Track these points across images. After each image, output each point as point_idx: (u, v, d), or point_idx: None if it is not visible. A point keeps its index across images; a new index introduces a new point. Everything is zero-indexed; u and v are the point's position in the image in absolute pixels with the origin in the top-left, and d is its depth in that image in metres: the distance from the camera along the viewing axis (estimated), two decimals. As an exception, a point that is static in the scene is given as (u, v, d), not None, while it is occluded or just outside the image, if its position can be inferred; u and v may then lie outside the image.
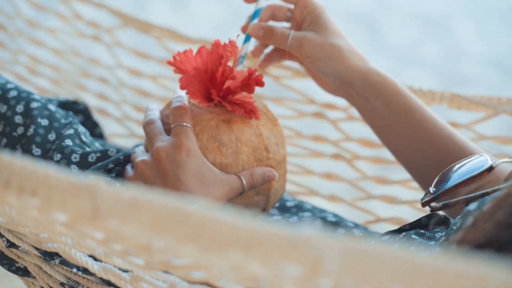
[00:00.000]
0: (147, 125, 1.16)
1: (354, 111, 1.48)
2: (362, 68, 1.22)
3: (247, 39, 1.22)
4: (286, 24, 1.28)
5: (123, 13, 1.67)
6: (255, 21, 1.22)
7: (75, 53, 1.79)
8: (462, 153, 1.19)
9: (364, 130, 1.39)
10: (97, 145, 1.25)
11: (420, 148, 1.22)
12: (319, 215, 1.30)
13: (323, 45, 1.21)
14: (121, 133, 1.77)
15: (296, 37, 1.22)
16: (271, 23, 1.27)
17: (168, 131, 1.14)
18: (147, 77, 1.71)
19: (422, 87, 1.44)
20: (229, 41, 1.13)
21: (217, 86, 1.14)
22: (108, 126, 1.75)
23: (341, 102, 1.48)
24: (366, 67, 1.23)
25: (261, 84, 1.14)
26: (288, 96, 1.58)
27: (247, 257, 0.59)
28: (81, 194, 0.65)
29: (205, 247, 0.61)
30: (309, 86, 1.43)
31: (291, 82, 1.54)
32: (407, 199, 1.46)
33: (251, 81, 1.13)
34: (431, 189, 1.07)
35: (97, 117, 1.67)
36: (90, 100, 1.77)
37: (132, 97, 1.76)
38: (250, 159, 1.15)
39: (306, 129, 1.51)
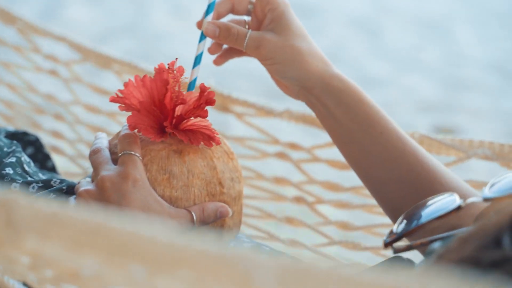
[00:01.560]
0: (93, 153, 1.09)
1: (319, 152, 1.42)
2: (324, 73, 1.14)
3: (202, 37, 1.14)
4: (246, 18, 1.21)
5: (83, 46, 1.61)
6: (209, 17, 1.13)
7: (31, 88, 1.73)
8: (421, 167, 1.12)
9: (329, 173, 1.34)
10: (41, 175, 1.19)
11: (381, 161, 1.14)
12: None
13: (284, 47, 1.13)
14: (75, 172, 1.71)
15: (254, 38, 1.13)
16: (231, 17, 1.20)
17: (115, 161, 1.08)
18: (104, 113, 1.66)
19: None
20: (172, 64, 1.07)
21: (168, 115, 1.08)
22: (62, 164, 1.69)
23: (306, 142, 1.44)
24: (328, 72, 1.15)
25: (212, 102, 1.07)
26: (251, 135, 1.52)
27: (175, 276, 0.55)
28: (-4, 207, 0.60)
29: (131, 270, 0.57)
30: (273, 124, 1.39)
31: (254, 120, 1.48)
32: (370, 245, 1.39)
33: (202, 101, 1.07)
34: (395, 229, 1.02)
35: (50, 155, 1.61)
36: (44, 138, 1.71)
37: (87, 134, 1.70)
38: (202, 193, 1.08)
39: (268, 170, 1.45)
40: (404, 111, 3.34)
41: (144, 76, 1.07)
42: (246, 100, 1.46)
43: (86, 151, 1.67)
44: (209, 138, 1.07)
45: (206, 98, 1.07)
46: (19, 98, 1.75)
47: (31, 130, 1.69)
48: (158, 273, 0.55)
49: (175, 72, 1.07)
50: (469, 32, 4.41)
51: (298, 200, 1.47)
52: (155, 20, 4.00)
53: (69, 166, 1.74)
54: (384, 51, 4.08)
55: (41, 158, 1.40)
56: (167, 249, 0.54)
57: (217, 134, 1.08)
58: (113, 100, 1.08)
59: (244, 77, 3.53)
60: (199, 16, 1.15)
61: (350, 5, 4.68)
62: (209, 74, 1.28)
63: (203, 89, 1.07)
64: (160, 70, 1.07)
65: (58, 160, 1.63)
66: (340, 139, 1.18)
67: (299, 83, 1.15)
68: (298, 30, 1.14)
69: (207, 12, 1.14)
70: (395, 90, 3.63)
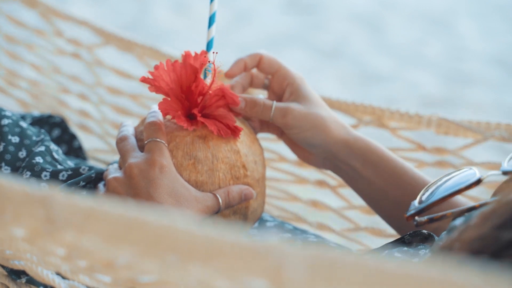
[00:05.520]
0: (120, 141, 1.12)
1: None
2: (347, 137, 1.19)
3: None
4: (263, 92, 1.27)
5: (105, 30, 1.63)
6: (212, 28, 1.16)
7: (55, 69, 1.75)
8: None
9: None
10: (70, 163, 1.21)
11: None
12: (300, 236, 1.26)
13: (308, 115, 1.17)
14: (103, 148, 1.74)
15: (279, 108, 1.17)
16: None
17: (142, 148, 1.10)
18: (127, 95, 1.68)
19: (409, 111, 1.40)
20: (201, 53, 1.10)
21: (195, 103, 1.11)
22: (90, 142, 1.73)
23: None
24: (350, 135, 1.20)
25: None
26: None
27: (207, 268, 0.57)
28: (35, 204, 0.63)
29: (165, 260, 0.59)
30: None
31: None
32: (395, 233, 1.38)
33: (231, 97, 1.11)
34: (416, 203, 1.04)
35: (79, 133, 1.65)
36: (72, 116, 1.74)
37: (112, 115, 1.72)
38: (227, 176, 1.10)
39: (290, 152, 1.47)
40: (407, 106, 3.31)
41: (175, 61, 1.10)
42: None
43: (112, 131, 1.70)
44: (235, 128, 1.10)
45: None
46: (44, 78, 1.77)
47: (58, 108, 1.72)
48: (192, 263, 0.57)
49: (210, 63, 1.10)
50: (471, 26, 4.37)
51: (321, 183, 1.49)
52: (157, 19, 3.98)
53: (98, 144, 1.77)
54: (387, 46, 4.05)
55: (68, 138, 1.44)
56: (200, 241, 0.56)
57: (239, 126, 1.12)
58: (143, 80, 1.11)
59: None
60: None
61: (352, 0, 4.65)
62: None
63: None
64: (188, 57, 1.09)
65: (86, 138, 1.66)
66: (372, 197, 1.23)
67: (326, 149, 1.20)
68: (316, 100, 1.19)
69: (208, 47, 1.16)
70: (398, 85, 3.60)
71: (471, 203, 0.95)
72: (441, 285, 0.49)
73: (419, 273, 0.50)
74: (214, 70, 1.11)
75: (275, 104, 1.17)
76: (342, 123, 1.20)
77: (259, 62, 1.21)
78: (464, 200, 1.18)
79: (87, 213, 0.60)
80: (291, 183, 1.55)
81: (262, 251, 0.53)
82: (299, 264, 0.52)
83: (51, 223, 0.62)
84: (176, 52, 1.56)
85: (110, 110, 1.71)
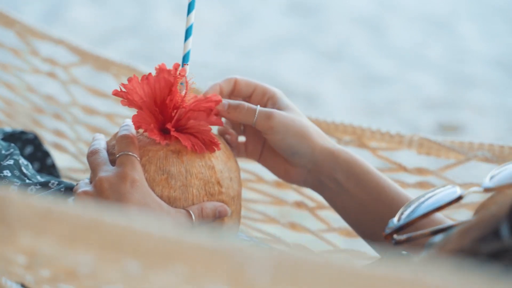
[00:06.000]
0: (91, 155, 1.09)
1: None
2: (331, 147, 1.18)
3: (191, 9, 1.14)
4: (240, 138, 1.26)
5: (82, 49, 1.61)
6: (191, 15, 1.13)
7: (30, 89, 1.73)
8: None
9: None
10: (39, 178, 1.18)
11: None
12: None
13: (293, 120, 1.15)
14: (78, 167, 1.72)
15: (264, 111, 1.15)
16: None
17: (113, 162, 1.07)
18: (102, 115, 1.65)
19: (390, 130, 1.37)
20: (176, 65, 1.07)
21: (170, 117, 1.08)
22: (64, 161, 1.70)
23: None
24: (334, 146, 1.18)
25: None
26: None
27: (167, 271, 0.54)
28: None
29: (126, 262, 0.57)
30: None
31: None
32: (375, 255, 1.35)
33: (209, 104, 1.08)
34: (395, 221, 1.01)
35: (53, 151, 1.62)
36: (46, 135, 1.73)
37: (86, 134, 1.70)
38: (201, 193, 1.07)
39: (268, 173, 1.45)
40: (408, 108, 3.32)
41: (149, 74, 1.08)
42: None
43: (86, 150, 1.68)
44: (211, 143, 1.08)
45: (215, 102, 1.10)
46: (19, 98, 1.75)
47: (33, 127, 1.70)
48: (153, 267, 0.55)
49: (178, 74, 1.07)
50: (472, 29, 4.41)
51: (299, 205, 1.46)
52: (159, 20, 4.02)
53: (72, 163, 1.75)
54: (388, 48, 4.08)
55: (41, 156, 1.41)
56: (161, 243, 0.54)
57: (217, 140, 1.09)
58: (116, 93, 1.08)
59: (254, 79, 3.57)
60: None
61: (354, 2, 4.69)
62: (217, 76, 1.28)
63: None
64: (163, 70, 1.07)
65: (61, 157, 1.64)
66: (353, 214, 1.20)
67: (310, 159, 1.18)
68: (298, 111, 1.18)
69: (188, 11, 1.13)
70: (399, 87, 3.63)
71: (451, 222, 0.93)
72: (410, 285, 0.47)
73: (386, 274, 0.48)
74: (187, 83, 1.08)
75: (259, 108, 1.15)
76: (324, 134, 1.19)
77: (235, 85, 1.19)
78: (445, 220, 1.16)
79: (44, 214, 0.58)
80: (268, 204, 1.52)
81: (224, 252, 0.51)
82: (263, 266, 0.49)
83: (7, 225, 0.59)
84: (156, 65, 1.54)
85: (84, 130, 1.69)
